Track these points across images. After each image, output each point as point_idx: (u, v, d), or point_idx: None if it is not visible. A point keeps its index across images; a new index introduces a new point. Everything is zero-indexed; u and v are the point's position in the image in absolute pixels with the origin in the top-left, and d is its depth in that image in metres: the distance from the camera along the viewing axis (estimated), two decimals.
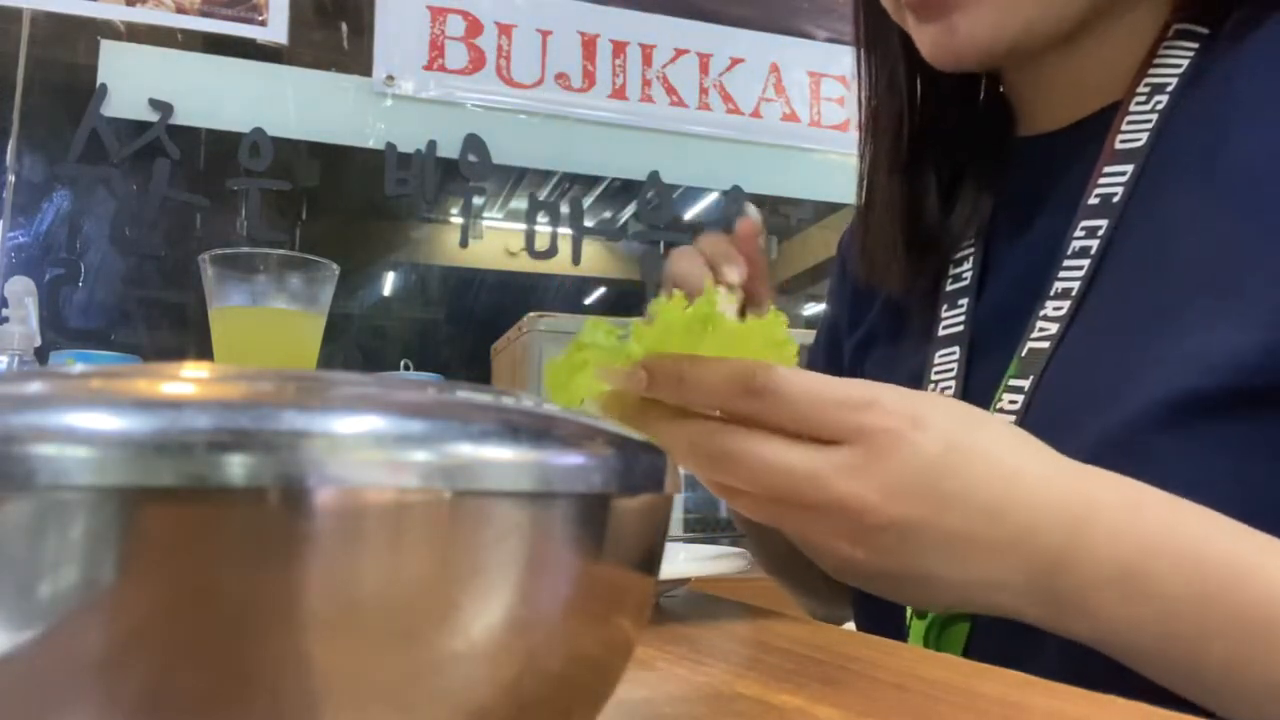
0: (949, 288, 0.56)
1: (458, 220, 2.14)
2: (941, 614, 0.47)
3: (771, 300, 0.60)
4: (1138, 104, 0.50)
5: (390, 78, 2.08)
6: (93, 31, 1.93)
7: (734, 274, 0.53)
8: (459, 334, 2.23)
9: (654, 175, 2.22)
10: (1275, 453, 0.39)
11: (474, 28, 2.16)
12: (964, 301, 0.54)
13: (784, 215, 2.35)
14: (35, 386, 0.15)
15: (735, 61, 2.32)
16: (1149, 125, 0.49)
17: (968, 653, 0.45)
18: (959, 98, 0.60)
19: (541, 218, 2.17)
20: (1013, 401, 0.46)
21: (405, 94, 2.08)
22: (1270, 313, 0.40)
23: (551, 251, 2.17)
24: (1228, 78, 0.47)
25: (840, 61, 2.39)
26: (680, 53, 2.29)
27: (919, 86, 0.59)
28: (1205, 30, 0.50)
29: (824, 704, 0.28)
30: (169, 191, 1.93)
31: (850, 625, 0.60)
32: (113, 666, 0.14)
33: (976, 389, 0.50)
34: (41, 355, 1.16)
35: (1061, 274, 0.48)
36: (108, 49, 1.93)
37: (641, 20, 2.27)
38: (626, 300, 2.25)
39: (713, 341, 0.37)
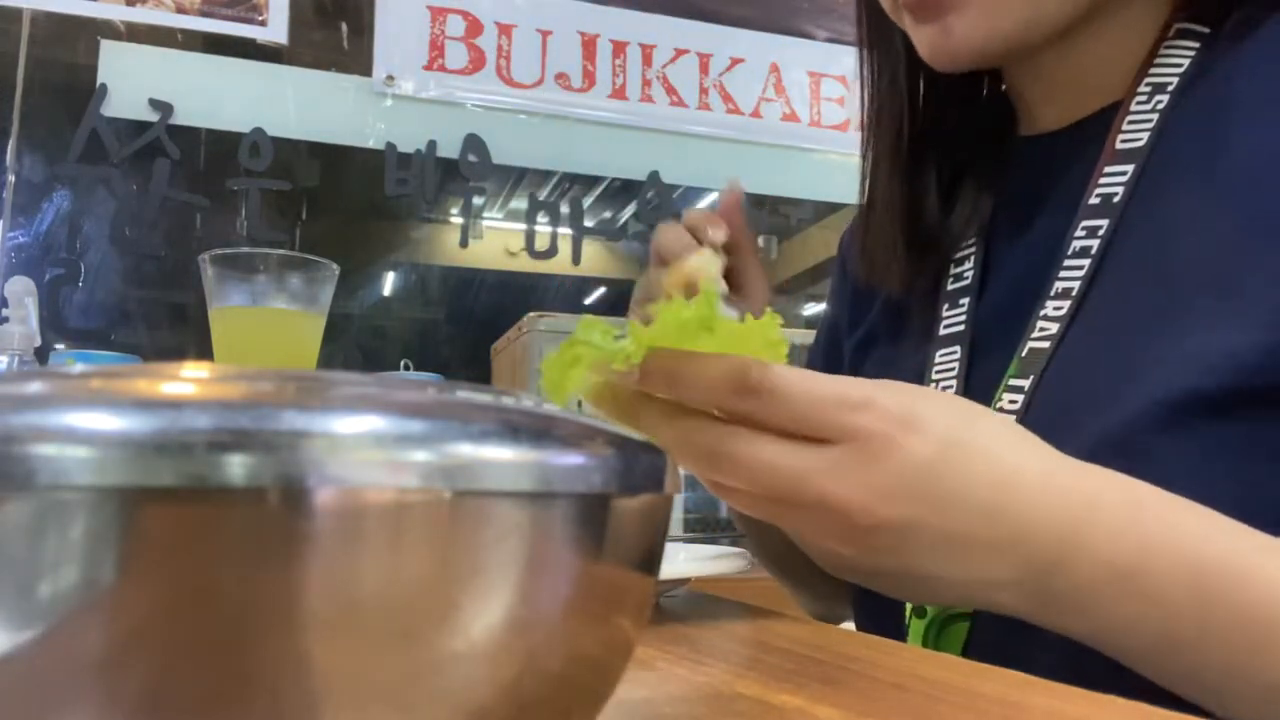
0: (950, 287, 0.56)
1: (458, 220, 2.14)
2: (940, 611, 0.47)
3: (767, 297, 0.60)
4: (1138, 104, 0.50)
5: (390, 78, 2.08)
6: (93, 31, 1.93)
7: (718, 235, 0.55)
8: (459, 334, 2.23)
9: (654, 175, 2.22)
10: (1275, 453, 0.39)
11: (474, 28, 2.16)
12: (965, 301, 0.54)
13: (784, 215, 2.35)
14: (35, 386, 0.15)
15: (735, 61, 2.32)
16: (1150, 125, 0.49)
17: (967, 651, 0.45)
18: (961, 97, 0.60)
19: (541, 218, 2.17)
20: (1013, 401, 0.46)
21: (405, 94, 2.08)
22: (1270, 313, 0.40)
23: (551, 251, 2.17)
24: (1228, 77, 0.47)
25: (840, 61, 2.39)
26: (680, 53, 2.29)
27: (920, 86, 0.59)
28: (1206, 29, 0.50)
29: (824, 704, 0.28)
30: (169, 191, 1.93)
31: (850, 625, 0.60)
32: (113, 666, 0.14)
33: (977, 389, 0.50)
34: (41, 355, 1.16)
35: (1062, 274, 0.48)
36: (108, 49, 1.93)
37: (641, 20, 2.27)
38: (626, 300, 2.24)
39: (709, 342, 0.36)
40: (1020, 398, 0.46)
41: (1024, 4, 0.49)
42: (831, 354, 0.69)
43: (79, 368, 0.17)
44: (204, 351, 0.73)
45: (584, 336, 0.36)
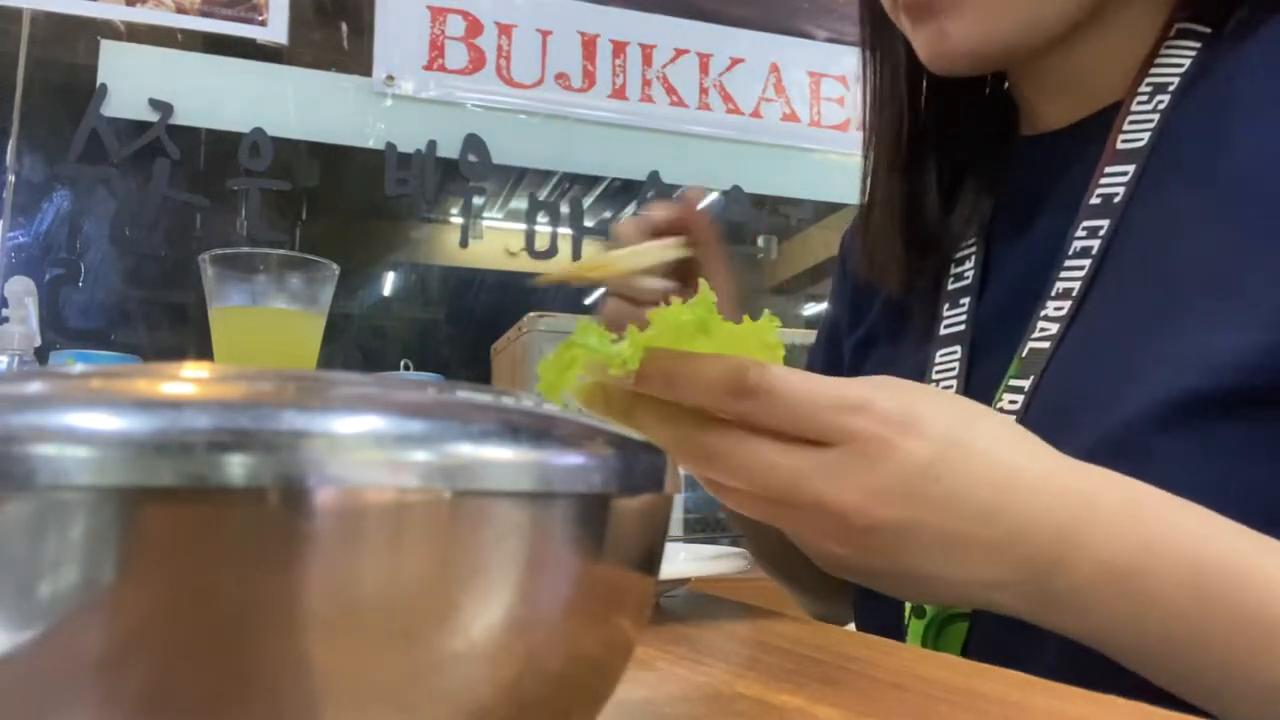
0: (950, 287, 0.56)
1: (458, 220, 2.14)
2: (939, 611, 0.47)
3: (736, 292, 0.61)
4: (1139, 104, 0.50)
5: (390, 78, 2.08)
6: (93, 31, 1.93)
7: (664, 213, 0.58)
8: (459, 334, 2.23)
9: (654, 175, 2.22)
10: (1275, 453, 0.39)
11: (474, 28, 2.16)
12: (965, 301, 0.54)
13: (784, 215, 2.35)
14: (35, 386, 0.15)
15: (735, 61, 2.32)
16: (1150, 125, 0.49)
17: (966, 651, 0.45)
18: (962, 97, 0.60)
19: (541, 218, 2.17)
20: (1013, 401, 0.46)
21: (405, 94, 2.08)
22: (1271, 313, 0.40)
23: (551, 251, 2.17)
24: (1229, 78, 0.47)
25: (840, 61, 2.39)
26: (680, 53, 2.29)
27: (922, 86, 0.59)
28: (1207, 29, 0.50)
29: (824, 704, 0.28)
30: (169, 191, 1.93)
31: (850, 625, 0.60)
32: (113, 666, 0.14)
33: (977, 389, 0.50)
34: (41, 355, 1.16)
35: (1063, 274, 0.48)
36: (108, 49, 1.93)
37: (641, 20, 2.27)
38: None
39: (706, 344, 0.36)
40: (1020, 398, 0.46)
41: (1021, 8, 0.49)
42: (832, 354, 0.69)
43: (79, 368, 0.17)
44: (204, 351, 0.73)
45: (581, 340, 0.36)
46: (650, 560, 0.20)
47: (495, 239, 2.23)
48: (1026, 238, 0.54)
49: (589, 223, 2.22)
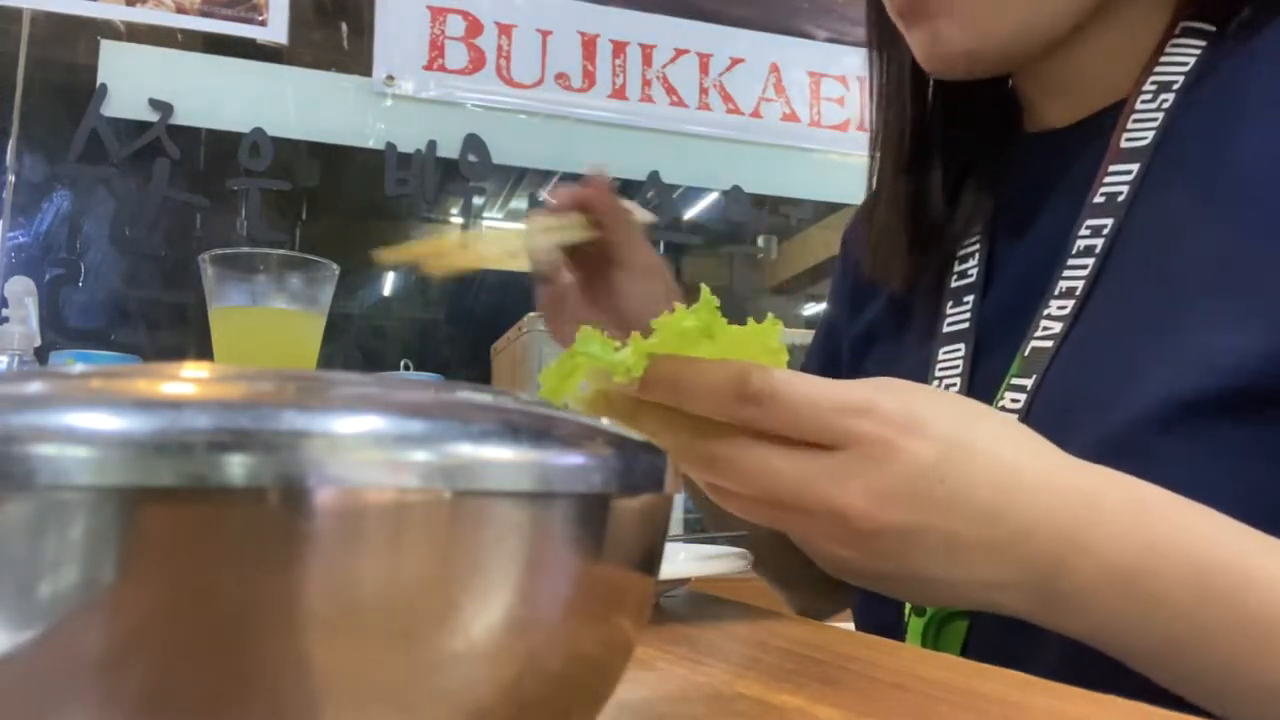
0: (953, 284, 0.55)
1: (458, 220, 2.14)
2: (939, 610, 0.47)
3: (655, 266, 0.65)
4: (1144, 102, 0.50)
5: (390, 78, 2.08)
6: (93, 31, 1.93)
7: (568, 194, 0.61)
8: (459, 334, 2.23)
9: (654, 175, 2.22)
10: (1277, 454, 0.39)
11: (474, 28, 2.16)
12: (969, 299, 0.54)
13: (784, 215, 2.35)
14: (35, 386, 0.15)
15: (735, 61, 2.32)
16: (1155, 124, 0.49)
17: (966, 649, 0.45)
18: (967, 94, 0.60)
19: None
20: (1015, 400, 0.46)
21: (405, 94, 2.08)
22: (1275, 314, 0.40)
23: None
24: (1234, 77, 0.47)
25: (840, 61, 2.39)
26: (680, 53, 2.29)
27: (927, 85, 0.59)
28: (1212, 28, 0.50)
29: (824, 704, 0.28)
30: (169, 191, 1.93)
31: (849, 625, 0.60)
32: (113, 666, 0.14)
33: (980, 387, 0.50)
34: (41, 355, 1.16)
35: (1066, 273, 0.48)
36: (108, 49, 1.93)
37: (641, 20, 2.27)
38: None
39: (709, 349, 0.36)
40: (1023, 397, 0.46)
41: (1015, 10, 0.49)
42: (828, 354, 0.69)
43: (79, 368, 0.17)
44: (204, 351, 0.73)
45: (583, 347, 0.36)
46: (650, 560, 0.20)
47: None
48: (1030, 236, 0.53)
49: None
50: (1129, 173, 0.48)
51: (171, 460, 0.14)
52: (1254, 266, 0.41)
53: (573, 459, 0.17)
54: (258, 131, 1.98)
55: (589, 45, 2.23)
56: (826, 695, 0.29)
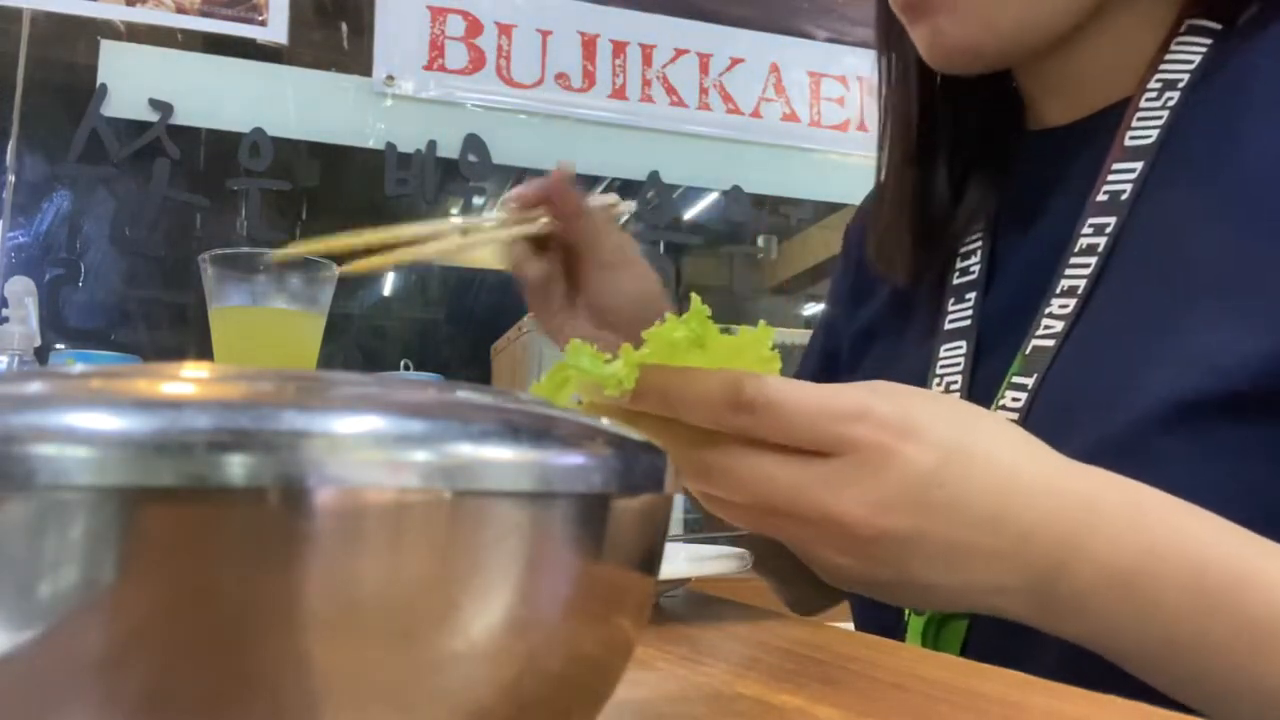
0: (956, 281, 0.55)
1: (458, 220, 2.13)
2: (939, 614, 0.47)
3: (627, 252, 0.66)
4: (1148, 100, 0.49)
5: (390, 78, 2.08)
6: (93, 31, 1.93)
7: (529, 190, 0.63)
8: (459, 334, 2.23)
9: (654, 175, 2.22)
10: (1279, 456, 0.39)
11: (474, 28, 2.16)
12: (971, 296, 0.54)
13: (784, 215, 2.35)
14: (35, 386, 0.15)
15: (735, 61, 2.32)
16: (1159, 122, 0.48)
17: (966, 649, 0.45)
18: (971, 91, 0.60)
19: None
20: (1015, 399, 0.46)
21: (405, 94, 2.08)
22: (1278, 315, 0.39)
23: None
24: (1240, 76, 0.47)
25: (840, 61, 2.39)
26: (680, 53, 2.29)
27: (934, 81, 0.59)
28: (1218, 26, 0.50)
29: (824, 704, 0.28)
30: (169, 191, 1.93)
31: (849, 625, 0.60)
32: (113, 666, 0.14)
33: (981, 385, 0.50)
34: (41, 355, 1.16)
35: (1068, 271, 0.48)
36: (108, 49, 1.93)
37: (641, 20, 2.27)
38: None
39: (701, 358, 0.36)
40: (1024, 396, 0.46)
41: (1016, 6, 0.49)
42: (827, 353, 0.69)
43: (79, 368, 0.17)
44: (204, 351, 0.73)
45: (573, 361, 0.35)
46: (650, 560, 0.20)
47: None
48: (1033, 233, 0.53)
49: None
50: (1133, 171, 0.48)
51: (171, 460, 0.14)
52: (1257, 266, 0.41)
53: (573, 459, 0.17)
54: (258, 131, 1.98)
55: (589, 45, 2.23)
56: (826, 695, 0.29)
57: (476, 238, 0.64)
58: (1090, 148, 0.52)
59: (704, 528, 0.69)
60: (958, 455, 0.35)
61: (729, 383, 0.35)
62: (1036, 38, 0.51)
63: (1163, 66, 0.50)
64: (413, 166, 2.07)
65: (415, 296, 2.24)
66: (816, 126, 2.37)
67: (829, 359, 0.68)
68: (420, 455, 0.15)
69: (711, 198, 2.31)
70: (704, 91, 2.29)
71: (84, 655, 0.14)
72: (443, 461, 0.15)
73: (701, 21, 2.31)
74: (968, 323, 0.53)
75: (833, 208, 2.32)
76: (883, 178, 0.61)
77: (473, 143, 2.11)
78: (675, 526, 1.41)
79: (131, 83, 1.93)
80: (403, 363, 1.97)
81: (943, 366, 0.53)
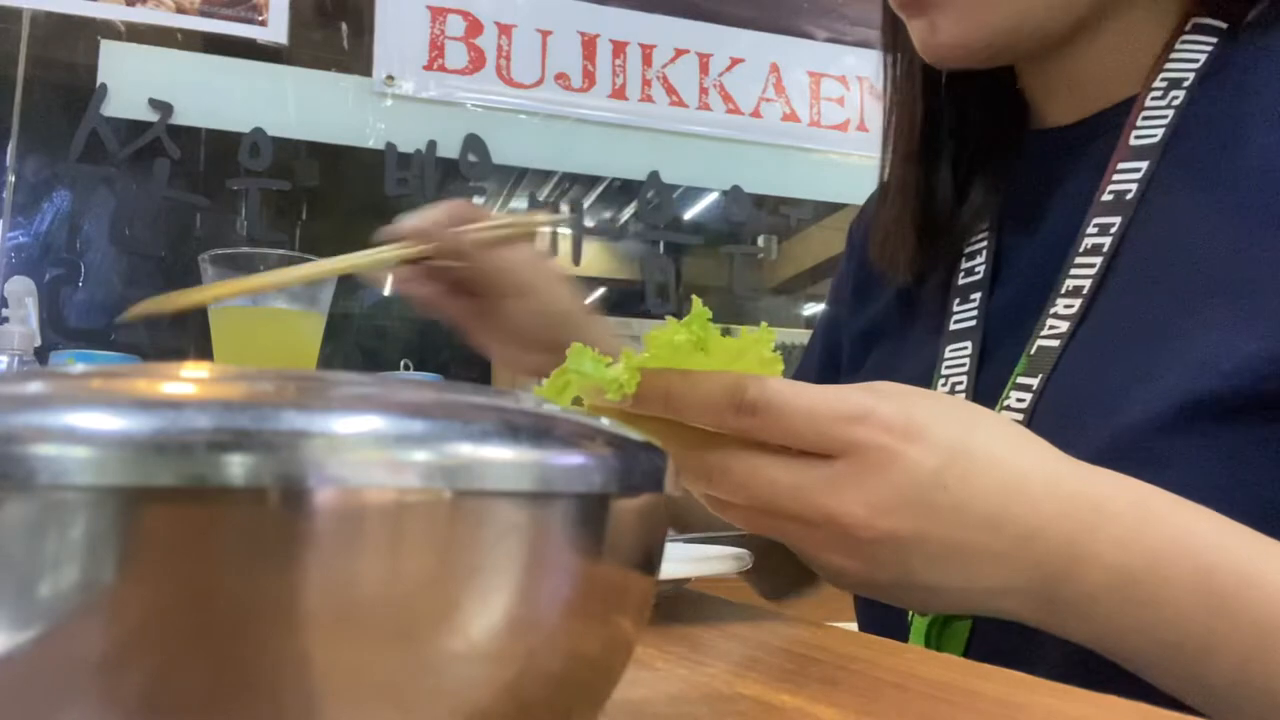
0: (961, 281, 0.55)
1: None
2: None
3: (535, 263, 0.67)
4: (1154, 99, 0.49)
5: (390, 78, 2.08)
6: (93, 31, 1.93)
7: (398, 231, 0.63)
8: (459, 334, 2.22)
9: (654, 175, 2.22)
10: None
11: (474, 28, 2.16)
12: (976, 296, 0.54)
13: (784, 215, 2.35)
14: (35, 386, 0.15)
15: (735, 61, 2.32)
16: (1164, 122, 0.48)
17: (969, 649, 0.45)
18: (977, 90, 0.59)
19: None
20: (1020, 400, 0.46)
21: (405, 94, 2.08)
22: None
23: (551, 252, 2.17)
24: (1246, 75, 0.47)
25: (840, 61, 2.39)
26: (680, 53, 2.29)
27: (941, 78, 0.59)
28: (1223, 25, 0.50)
29: (824, 704, 0.28)
30: (169, 191, 1.93)
31: (851, 625, 0.60)
32: (113, 666, 0.14)
33: (986, 385, 0.50)
34: (41, 355, 1.16)
35: (1073, 271, 0.47)
36: (108, 49, 1.93)
37: (641, 20, 2.27)
38: (627, 300, 2.25)
39: (703, 362, 0.36)
40: (1028, 396, 0.46)
41: (1010, 4, 0.49)
42: (828, 351, 0.69)
43: (79, 368, 0.17)
44: (204, 351, 0.73)
45: (575, 365, 0.35)
46: (650, 560, 0.20)
47: None
48: (1037, 233, 0.53)
49: (589, 223, 2.22)
50: (1138, 171, 0.48)
51: (171, 460, 0.14)
52: (1263, 267, 0.41)
53: (573, 459, 0.17)
54: (258, 131, 1.98)
55: (589, 45, 2.23)
56: (826, 695, 0.29)
57: (354, 261, 0.65)
58: (1095, 147, 0.52)
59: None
60: (961, 457, 0.34)
61: (731, 385, 0.34)
62: (1032, 37, 0.51)
63: (1168, 65, 0.50)
64: (413, 166, 2.07)
65: None
66: (816, 126, 2.37)
67: (830, 356, 0.68)
68: (420, 455, 0.15)
69: (711, 198, 2.31)
70: (704, 91, 2.29)
71: (84, 655, 0.14)
72: (443, 461, 0.15)
73: (701, 21, 2.31)
74: (973, 323, 0.53)
75: (833, 208, 2.32)
76: (886, 177, 0.61)
77: (473, 143, 2.11)
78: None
79: (131, 83, 1.93)
80: (403, 363, 1.97)
81: (948, 367, 0.52)
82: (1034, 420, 0.45)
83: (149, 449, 0.14)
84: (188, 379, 0.15)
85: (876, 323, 0.63)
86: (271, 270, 0.66)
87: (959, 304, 0.54)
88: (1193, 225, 0.44)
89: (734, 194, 2.27)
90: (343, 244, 0.69)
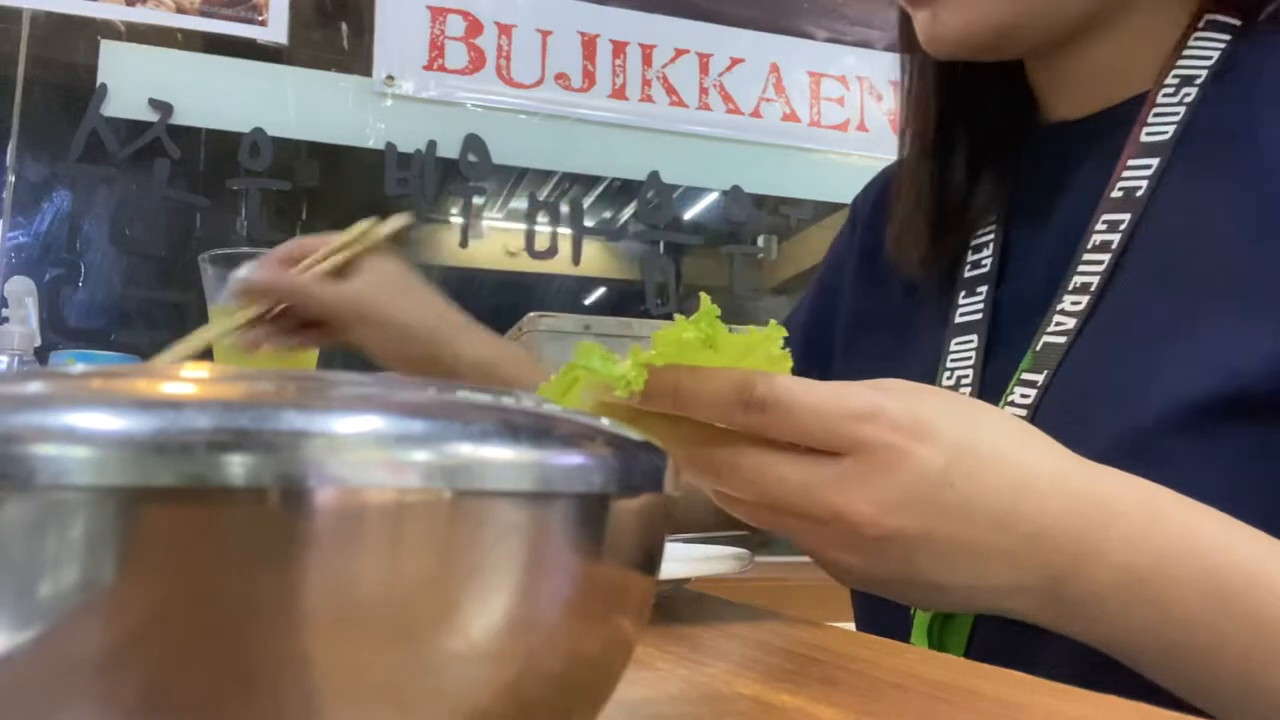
0: (967, 274, 0.55)
1: (458, 220, 2.14)
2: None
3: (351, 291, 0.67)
4: (1165, 95, 0.49)
5: (390, 78, 2.08)
6: (93, 31, 1.92)
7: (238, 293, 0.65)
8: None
9: (654, 175, 2.22)
10: None
11: (474, 28, 2.16)
12: (983, 289, 0.53)
13: (784, 215, 2.35)
14: (35, 386, 0.15)
15: (735, 61, 2.32)
16: (1176, 118, 0.48)
17: (972, 645, 0.45)
18: (988, 85, 0.59)
19: (541, 218, 2.17)
20: (1025, 396, 0.46)
21: (405, 94, 2.08)
22: None
23: (551, 251, 2.17)
24: (1259, 73, 0.47)
25: (840, 61, 2.39)
26: (680, 53, 2.29)
27: (956, 73, 0.59)
28: (1237, 21, 0.49)
29: (824, 704, 0.28)
30: (169, 191, 1.93)
31: (850, 625, 0.60)
32: (113, 666, 0.14)
33: (992, 380, 0.50)
34: (41, 355, 1.16)
35: (1081, 268, 0.47)
36: (108, 49, 1.93)
37: (641, 20, 2.27)
38: (626, 300, 2.24)
39: (712, 358, 0.36)
40: (1033, 393, 0.46)
41: None
42: (816, 315, 0.68)
43: (79, 368, 0.17)
44: (204, 351, 0.73)
45: (583, 362, 0.35)
46: (650, 560, 0.20)
47: (495, 239, 2.23)
48: (1045, 227, 0.53)
49: (589, 223, 2.22)
50: (1148, 168, 0.48)
51: (171, 460, 0.14)
52: (1275, 267, 0.41)
53: (573, 459, 0.17)
54: (258, 131, 1.98)
55: (589, 45, 2.23)
56: (826, 695, 0.29)
57: (207, 337, 0.67)
58: (1104, 143, 0.51)
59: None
60: (969, 455, 0.34)
61: (740, 382, 0.35)
62: (1037, 31, 0.51)
63: (1180, 62, 0.49)
64: (413, 166, 2.07)
65: None
66: (816, 126, 2.36)
67: (818, 320, 0.67)
68: (420, 455, 0.15)
69: (711, 198, 2.31)
70: (704, 91, 2.29)
71: (84, 655, 0.14)
72: (443, 461, 0.15)
73: (701, 21, 2.31)
74: (979, 316, 0.53)
75: (833, 208, 2.32)
76: (899, 168, 0.61)
77: (473, 143, 2.10)
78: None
79: (131, 83, 1.93)
80: None
81: (953, 360, 0.52)
82: (1039, 417, 0.45)
83: (149, 449, 0.14)
84: (188, 379, 0.15)
85: (878, 308, 0.62)
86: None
87: (964, 297, 0.54)
88: (1203, 223, 0.44)
89: (734, 194, 2.27)
90: None
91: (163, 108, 1.93)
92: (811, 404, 0.34)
